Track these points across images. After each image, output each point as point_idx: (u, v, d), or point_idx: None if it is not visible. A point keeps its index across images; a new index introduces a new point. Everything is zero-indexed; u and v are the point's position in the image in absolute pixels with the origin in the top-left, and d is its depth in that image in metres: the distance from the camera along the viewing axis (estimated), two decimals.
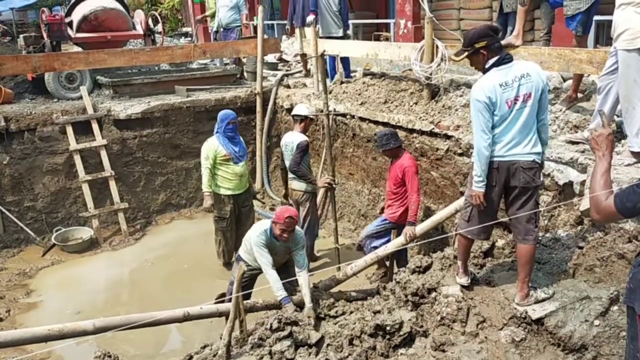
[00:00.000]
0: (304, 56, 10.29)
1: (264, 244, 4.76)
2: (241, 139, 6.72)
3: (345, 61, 9.20)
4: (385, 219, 5.82)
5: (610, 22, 4.52)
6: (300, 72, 10.62)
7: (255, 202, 7.24)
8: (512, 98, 3.61)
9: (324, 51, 6.89)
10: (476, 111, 3.68)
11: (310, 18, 8.82)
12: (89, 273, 7.19)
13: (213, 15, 12.20)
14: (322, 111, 6.53)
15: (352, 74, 9.16)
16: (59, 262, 7.50)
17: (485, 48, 3.68)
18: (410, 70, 7.21)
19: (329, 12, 8.97)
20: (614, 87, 4.46)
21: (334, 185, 6.50)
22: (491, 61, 3.69)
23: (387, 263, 5.86)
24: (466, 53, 3.76)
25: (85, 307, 6.32)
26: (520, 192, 3.75)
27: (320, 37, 8.81)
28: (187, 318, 4.09)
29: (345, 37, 9.27)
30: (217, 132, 6.48)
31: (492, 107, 3.63)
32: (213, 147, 6.36)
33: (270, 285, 4.65)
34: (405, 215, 5.53)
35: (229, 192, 6.50)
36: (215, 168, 6.39)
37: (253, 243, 4.80)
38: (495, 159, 3.72)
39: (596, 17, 6.24)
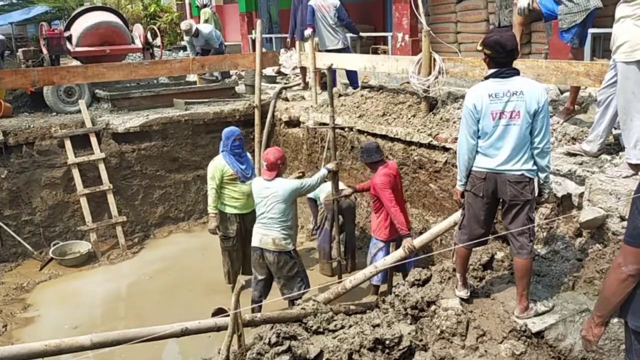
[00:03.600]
0: (303, 69, 10.34)
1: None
2: (249, 156, 6.60)
3: (353, 74, 9.25)
4: (375, 241, 5.84)
5: (606, 34, 4.54)
6: (298, 84, 10.66)
7: None
8: (497, 111, 3.62)
9: (332, 64, 6.90)
10: (463, 116, 3.81)
11: (307, 32, 8.88)
12: (86, 287, 7.15)
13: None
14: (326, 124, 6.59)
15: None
16: (57, 276, 7.47)
17: (488, 56, 3.71)
18: (408, 83, 7.23)
19: (325, 25, 9.03)
20: (613, 100, 4.48)
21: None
22: (490, 71, 3.73)
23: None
24: (481, 49, 3.79)
25: (83, 321, 6.28)
26: (510, 205, 3.76)
27: (320, 51, 8.86)
28: (185, 333, 4.06)
29: (345, 49, 9.31)
30: (222, 151, 6.34)
31: (476, 114, 3.68)
32: (219, 166, 6.21)
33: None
34: (392, 230, 5.64)
35: (236, 212, 6.32)
36: (222, 187, 6.23)
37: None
38: (483, 169, 3.76)
39: (593, 30, 6.28)
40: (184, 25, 11.36)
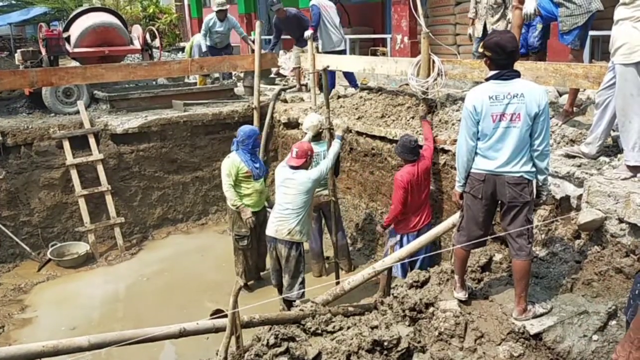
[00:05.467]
0: (297, 71, 10.34)
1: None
2: (259, 156, 6.73)
3: (350, 74, 9.26)
4: (393, 233, 5.97)
5: (605, 36, 4.54)
6: (294, 87, 10.66)
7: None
8: (497, 113, 3.62)
9: (328, 66, 6.93)
10: (462, 118, 3.81)
11: (307, 33, 8.87)
12: (84, 288, 7.14)
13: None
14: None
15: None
16: (55, 277, 7.46)
17: (489, 59, 3.71)
18: (407, 84, 7.23)
19: (330, 26, 9.04)
20: (611, 101, 4.48)
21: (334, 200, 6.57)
22: (491, 73, 3.72)
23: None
24: (482, 50, 3.79)
25: (80, 322, 6.27)
26: (509, 207, 3.75)
27: (323, 52, 8.89)
28: (183, 334, 4.05)
29: (343, 50, 9.35)
30: (237, 149, 6.41)
31: (476, 116, 3.68)
32: (235, 163, 6.29)
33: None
34: (404, 224, 5.77)
35: (249, 209, 6.41)
36: (236, 185, 6.31)
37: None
38: (482, 171, 3.76)
39: (591, 32, 6.28)
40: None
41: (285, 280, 5.91)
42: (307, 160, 5.84)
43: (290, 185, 5.75)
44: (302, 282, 5.92)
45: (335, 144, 6.18)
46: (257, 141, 6.60)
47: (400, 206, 5.66)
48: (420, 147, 5.92)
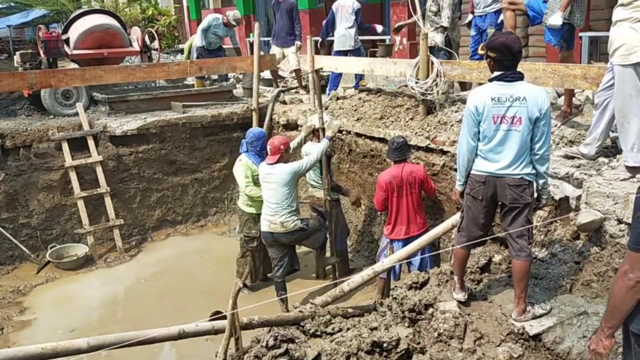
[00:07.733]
0: (298, 71, 10.35)
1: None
2: None
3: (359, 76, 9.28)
4: (383, 238, 5.94)
5: (603, 37, 4.55)
6: (296, 87, 10.65)
7: None
8: (499, 115, 3.62)
9: (321, 68, 6.94)
10: (464, 117, 3.82)
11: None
12: (83, 290, 7.14)
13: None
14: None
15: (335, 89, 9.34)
16: (54, 279, 7.45)
17: (493, 59, 3.69)
18: (406, 86, 7.24)
19: (341, 27, 9.04)
20: (610, 102, 4.49)
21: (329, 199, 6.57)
22: (495, 74, 3.71)
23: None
24: (484, 52, 3.80)
25: (79, 324, 6.27)
26: (510, 208, 3.76)
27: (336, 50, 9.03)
28: (182, 336, 4.05)
29: (356, 50, 9.32)
30: (246, 150, 6.44)
31: (477, 116, 3.68)
32: (248, 165, 6.32)
33: None
34: (395, 228, 5.73)
35: (258, 211, 6.34)
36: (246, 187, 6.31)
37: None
38: (483, 173, 3.76)
39: (590, 33, 6.30)
40: (236, 14, 11.15)
41: (312, 248, 6.43)
42: (282, 155, 5.96)
43: (270, 180, 5.91)
44: (321, 231, 6.34)
45: (322, 143, 6.26)
46: (265, 144, 6.55)
47: (379, 206, 5.78)
48: (407, 147, 5.88)
